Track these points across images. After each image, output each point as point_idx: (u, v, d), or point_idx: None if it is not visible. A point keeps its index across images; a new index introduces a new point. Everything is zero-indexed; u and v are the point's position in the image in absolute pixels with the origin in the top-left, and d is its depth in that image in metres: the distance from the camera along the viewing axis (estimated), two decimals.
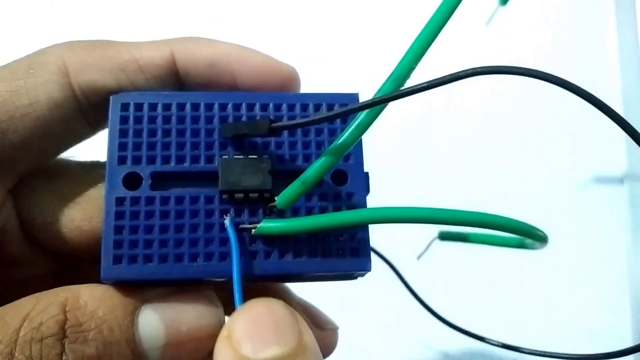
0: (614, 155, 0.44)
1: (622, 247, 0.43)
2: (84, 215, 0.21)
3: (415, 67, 0.18)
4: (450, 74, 0.16)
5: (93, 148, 0.22)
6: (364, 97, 0.20)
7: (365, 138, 0.19)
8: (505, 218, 0.18)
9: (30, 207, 0.21)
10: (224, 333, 0.17)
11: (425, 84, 0.16)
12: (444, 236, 0.30)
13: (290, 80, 0.22)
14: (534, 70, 0.16)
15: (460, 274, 0.42)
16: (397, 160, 0.44)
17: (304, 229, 0.18)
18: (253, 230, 0.19)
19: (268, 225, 0.19)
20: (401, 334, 0.40)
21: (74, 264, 0.23)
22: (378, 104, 0.16)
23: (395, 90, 0.17)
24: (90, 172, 0.22)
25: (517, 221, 0.18)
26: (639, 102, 0.43)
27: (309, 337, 0.17)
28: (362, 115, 0.17)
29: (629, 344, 0.41)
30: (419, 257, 0.32)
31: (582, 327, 0.41)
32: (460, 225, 0.18)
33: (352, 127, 0.17)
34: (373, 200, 0.20)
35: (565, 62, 0.46)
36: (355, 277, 0.21)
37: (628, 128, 0.16)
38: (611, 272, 0.42)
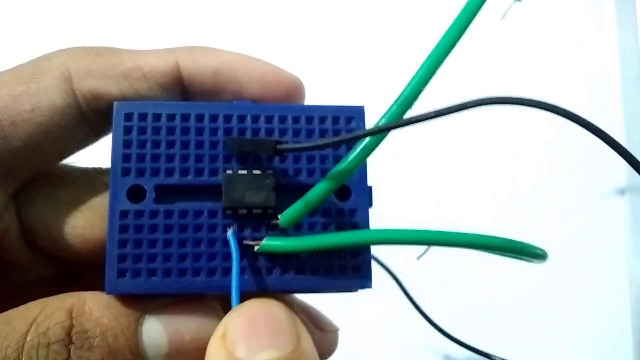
0: (615, 166, 0.44)
1: (623, 259, 0.43)
2: (86, 222, 0.21)
3: (423, 90, 0.17)
4: (459, 104, 0.16)
5: (96, 154, 0.22)
6: (369, 109, 0.20)
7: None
8: (504, 239, 0.18)
9: (32, 213, 0.21)
10: (219, 332, 0.16)
11: (433, 113, 0.16)
12: None
13: (295, 89, 0.22)
14: (542, 102, 0.16)
15: (460, 282, 0.42)
16: (398, 175, 0.44)
17: (307, 248, 0.19)
18: (256, 248, 0.19)
19: (271, 243, 0.19)
20: (400, 339, 0.41)
21: (75, 270, 0.23)
22: (383, 131, 0.16)
23: (403, 113, 0.17)
24: (92, 178, 0.21)
25: (515, 241, 0.18)
26: (639, 102, 0.43)
27: (307, 342, 0.17)
28: (367, 140, 0.17)
29: (629, 353, 0.41)
30: (418, 258, 0.32)
31: (582, 337, 0.41)
32: (459, 247, 0.18)
33: (357, 150, 0.17)
34: (374, 214, 0.20)
35: (566, 62, 0.46)
36: (355, 291, 0.21)
37: (629, 157, 0.16)
38: (612, 284, 0.43)
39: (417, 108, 0.18)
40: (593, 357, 0.41)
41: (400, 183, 0.43)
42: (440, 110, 0.16)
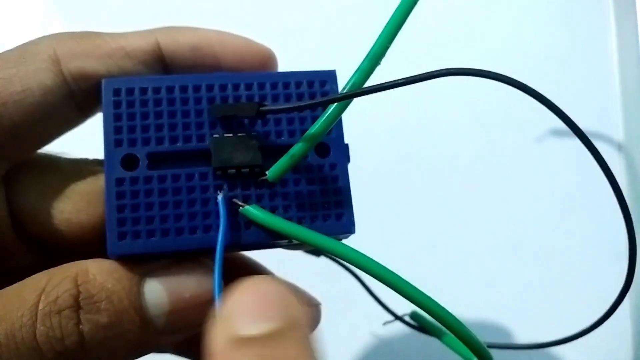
0: (610, 121, 0.44)
1: (623, 259, 0.41)
2: (72, 207, 0.21)
3: (389, 46, 0.19)
4: (426, 72, 0.18)
5: (87, 142, 0.23)
6: (340, 72, 0.22)
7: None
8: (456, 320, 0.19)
9: (20, 196, 0.21)
10: (214, 313, 0.17)
11: (403, 80, 0.18)
12: (415, 317, 0.30)
13: (267, 59, 0.23)
14: (495, 73, 0.18)
15: (457, 280, 0.41)
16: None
17: (281, 230, 0.20)
18: (240, 209, 0.20)
19: (254, 212, 0.20)
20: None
21: (61, 258, 0.23)
22: (355, 96, 0.18)
23: (373, 68, 0.19)
24: (79, 166, 0.22)
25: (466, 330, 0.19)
26: (639, 102, 0.43)
27: (298, 311, 0.17)
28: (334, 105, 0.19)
29: (629, 353, 0.41)
30: (384, 324, 0.32)
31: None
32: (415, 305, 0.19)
33: (332, 108, 0.19)
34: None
35: (566, 61, 0.46)
36: (340, 239, 0.22)
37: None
38: (612, 283, 0.43)
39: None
40: (592, 357, 0.40)
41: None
42: (410, 77, 0.18)
